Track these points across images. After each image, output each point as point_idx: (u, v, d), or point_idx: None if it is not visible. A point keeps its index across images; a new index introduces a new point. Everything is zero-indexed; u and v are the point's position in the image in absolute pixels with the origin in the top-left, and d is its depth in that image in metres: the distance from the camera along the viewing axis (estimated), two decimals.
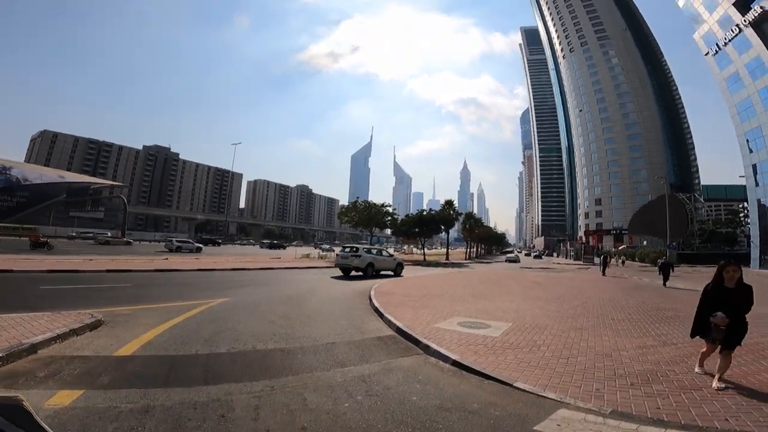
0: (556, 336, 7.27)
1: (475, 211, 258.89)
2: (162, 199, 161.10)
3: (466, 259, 53.29)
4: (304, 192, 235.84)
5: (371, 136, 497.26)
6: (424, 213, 47.41)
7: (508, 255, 61.94)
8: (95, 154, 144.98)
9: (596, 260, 45.10)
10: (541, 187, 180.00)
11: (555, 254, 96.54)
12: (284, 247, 57.01)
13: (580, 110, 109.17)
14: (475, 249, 68.77)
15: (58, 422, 3.26)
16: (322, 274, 21.23)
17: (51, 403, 3.67)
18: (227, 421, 3.41)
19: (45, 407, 3.55)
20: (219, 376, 4.63)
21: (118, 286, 12.67)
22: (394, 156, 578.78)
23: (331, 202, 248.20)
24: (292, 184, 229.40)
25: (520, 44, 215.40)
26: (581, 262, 50.80)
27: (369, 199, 44.79)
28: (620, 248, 64.94)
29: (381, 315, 8.99)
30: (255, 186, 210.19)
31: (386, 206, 42.60)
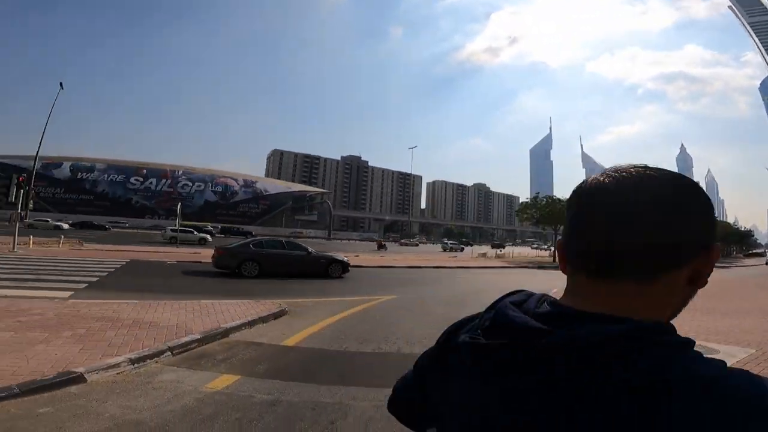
0: None
1: None
2: (358, 203, 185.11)
3: None
4: (482, 190, 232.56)
5: (550, 128, 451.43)
6: None
7: None
8: (309, 166, 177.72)
9: None
10: None
11: None
12: (461, 249, 53.92)
13: None
14: None
15: (201, 404, 3.51)
16: (495, 274, 19.74)
17: (209, 386, 3.98)
18: (333, 429, 3.20)
19: (202, 389, 3.87)
20: (353, 377, 4.47)
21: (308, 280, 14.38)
22: (581, 146, 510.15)
23: (510, 199, 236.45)
24: (469, 183, 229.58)
25: (729, 6, 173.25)
26: None
27: (554, 195, 39.71)
28: None
29: None
30: (434, 187, 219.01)
31: None
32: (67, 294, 8.32)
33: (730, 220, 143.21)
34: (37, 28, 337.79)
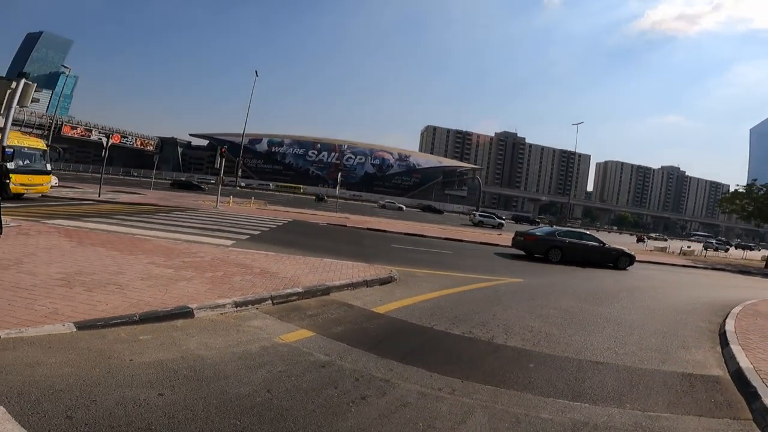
0: None
1: None
2: (512, 181, 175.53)
3: None
4: (673, 174, 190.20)
5: None
6: None
7: None
8: (461, 142, 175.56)
9: None
10: None
11: None
12: (501, 226, 42.78)
13: None
14: None
15: (263, 351, 3.80)
16: (664, 271, 15.97)
17: (282, 337, 4.27)
18: (363, 404, 3.07)
19: (275, 339, 4.18)
20: (420, 357, 4.18)
21: (441, 252, 14.34)
22: None
23: (716, 187, 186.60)
24: (656, 166, 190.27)
25: None
26: None
27: None
28: None
29: (724, 342, 5.72)
30: (605, 167, 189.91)
31: None
32: (230, 243, 10.19)
33: None
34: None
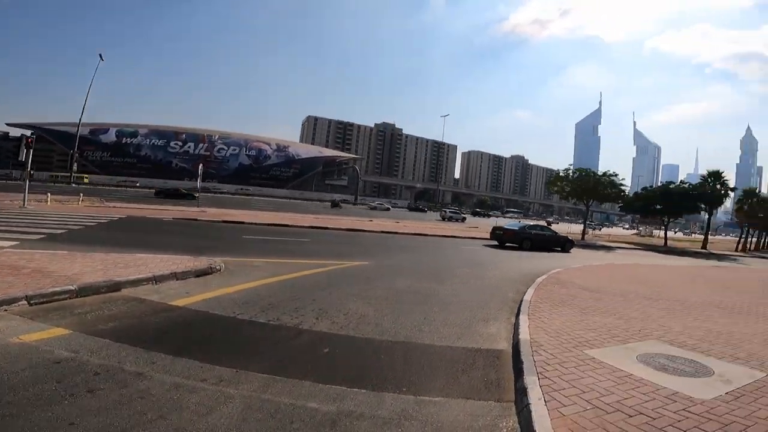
0: None
1: (765, 189, 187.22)
2: (390, 170, 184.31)
3: (736, 251, 37.76)
4: (520, 163, 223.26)
5: (600, 103, 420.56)
6: (672, 186, 35.51)
7: None
8: (342, 133, 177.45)
9: None
10: None
11: None
12: (462, 219, 47.60)
13: None
14: (757, 239, 48.43)
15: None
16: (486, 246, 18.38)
17: (23, 337, 3.71)
18: (83, 397, 2.79)
19: (11, 339, 3.62)
20: (199, 350, 3.80)
21: (296, 240, 13.88)
22: (634, 123, 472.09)
23: (550, 173, 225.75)
24: (507, 155, 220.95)
25: None
26: None
27: (591, 169, 36.28)
28: None
29: (517, 313, 6.23)
30: (469, 157, 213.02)
31: (610, 175, 33.58)
32: (11, 244, 8.10)
33: None
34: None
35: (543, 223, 41.33)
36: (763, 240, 51.24)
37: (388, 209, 60.74)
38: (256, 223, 18.38)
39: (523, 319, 5.84)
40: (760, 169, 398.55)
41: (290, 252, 10.86)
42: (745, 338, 5.62)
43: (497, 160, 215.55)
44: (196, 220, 17.97)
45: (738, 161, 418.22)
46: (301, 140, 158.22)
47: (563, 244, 20.20)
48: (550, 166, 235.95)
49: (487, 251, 16.69)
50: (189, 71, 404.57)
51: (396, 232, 21.20)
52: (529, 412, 3.09)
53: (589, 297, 7.99)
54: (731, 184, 37.64)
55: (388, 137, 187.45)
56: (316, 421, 2.79)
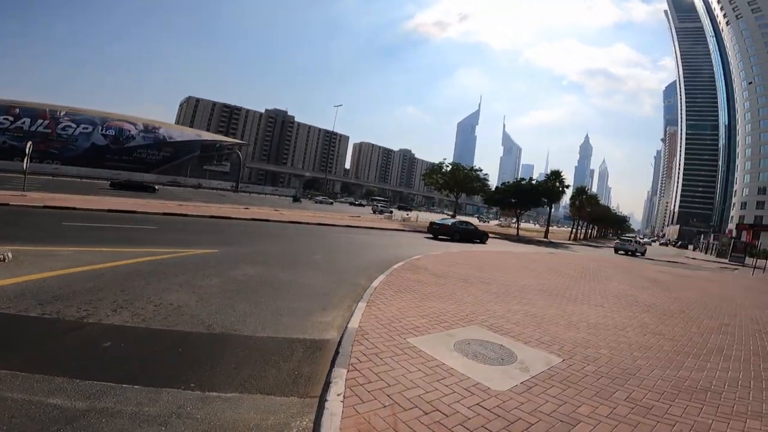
0: (661, 411, 3.62)
1: (595, 189, 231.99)
2: (279, 157, 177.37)
3: (569, 240, 45.80)
4: (407, 156, 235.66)
5: (479, 105, 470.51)
6: (523, 182, 41.20)
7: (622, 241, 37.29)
8: (228, 117, 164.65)
9: (753, 261, 34.28)
10: (684, 169, 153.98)
11: (692, 247, 79.22)
12: (390, 212, 51.58)
13: (750, 83, 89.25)
14: (585, 230, 59.35)
15: None
16: (375, 236, 18.87)
17: None
18: None
19: None
20: None
21: (139, 228, 12.08)
22: (504, 125, 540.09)
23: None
24: (396, 149, 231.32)
25: (665, 11, 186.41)
26: (726, 261, 39.01)
27: (461, 163, 39.83)
28: None
29: (360, 300, 6.29)
30: (360, 148, 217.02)
31: (477, 170, 37.58)
32: None
33: (614, 206, 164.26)
34: None
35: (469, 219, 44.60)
36: (590, 231, 63.19)
37: (331, 203, 60.43)
38: (91, 209, 15.49)
39: (361, 306, 5.84)
40: (592, 172, 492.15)
41: (123, 240, 9.28)
42: (554, 321, 6.43)
43: (386, 153, 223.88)
44: (7, 205, 14.36)
45: (576, 164, 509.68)
46: (178, 123, 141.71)
47: (481, 236, 24.56)
48: (434, 161, 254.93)
49: (359, 238, 16.92)
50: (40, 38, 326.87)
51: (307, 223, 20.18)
52: (323, 409, 2.92)
53: (433, 282, 8.47)
54: (570, 183, 45.32)
55: (278, 124, 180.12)
56: (50, 417, 2.39)
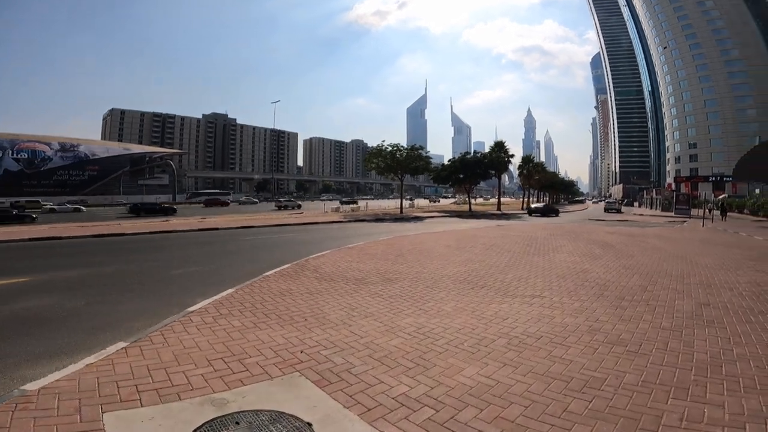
0: None
1: (543, 159, 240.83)
2: (225, 163, 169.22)
3: (522, 209, 45.08)
4: (359, 147, 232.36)
5: (425, 89, 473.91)
6: (468, 156, 39.62)
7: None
8: (161, 126, 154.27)
9: (697, 212, 34.79)
10: (619, 132, 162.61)
11: (636, 204, 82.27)
12: (298, 206, 46.17)
13: (664, 47, 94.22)
14: (536, 198, 59.41)
15: None
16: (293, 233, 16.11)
17: None
18: None
19: None
20: None
21: None
22: (451, 107, 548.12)
23: None
24: (348, 140, 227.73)
25: None
26: (672, 214, 39.62)
27: (401, 144, 36.94)
28: (721, 197, 51.30)
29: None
30: (311, 144, 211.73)
31: (418, 149, 35.33)
32: None
33: (561, 173, 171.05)
34: None
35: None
36: (542, 198, 63.53)
37: (256, 202, 58.42)
38: None
39: (120, 347, 3.37)
40: (538, 143, 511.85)
41: None
42: (453, 342, 4.09)
43: (339, 146, 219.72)
44: None
45: (523, 137, 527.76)
46: (105, 138, 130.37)
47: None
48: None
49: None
50: None
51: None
52: None
53: (308, 291, 6.04)
54: (519, 156, 44.50)
55: (219, 129, 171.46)
56: None
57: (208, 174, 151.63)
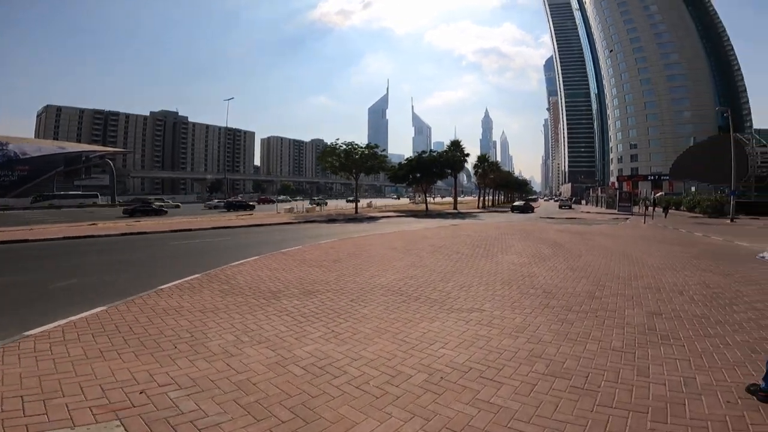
0: None
1: (499, 159, 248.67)
2: (176, 162, 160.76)
3: (478, 208, 45.49)
4: (319, 146, 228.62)
5: (387, 89, 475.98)
6: (424, 155, 39.26)
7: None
8: (102, 124, 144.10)
9: (638, 209, 36.60)
10: (568, 133, 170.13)
11: (584, 202, 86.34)
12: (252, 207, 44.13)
13: (611, 51, 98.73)
14: (491, 197, 60.43)
15: None
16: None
17: None
18: None
19: None
20: None
21: None
22: (412, 107, 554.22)
23: None
24: (307, 139, 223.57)
25: None
26: (616, 211, 41.49)
27: (355, 142, 35.43)
28: (658, 195, 54.78)
29: None
30: (268, 143, 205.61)
31: (373, 147, 34.41)
32: None
33: (516, 172, 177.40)
34: None
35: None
36: (497, 197, 64.74)
37: (178, 206, 52.24)
38: None
39: None
40: (494, 143, 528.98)
41: None
42: (364, 381, 3.15)
43: (298, 145, 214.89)
44: None
45: (480, 137, 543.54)
46: (39, 136, 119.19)
47: None
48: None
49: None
50: None
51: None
52: None
53: (198, 310, 4.97)
54: (470, 153, 44.68)
55: (169, 127, 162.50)
56: None
57: (157, 174, 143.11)
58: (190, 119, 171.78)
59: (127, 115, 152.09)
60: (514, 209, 40.81)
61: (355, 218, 27.36)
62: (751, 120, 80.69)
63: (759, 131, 50.21)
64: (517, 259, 9.24)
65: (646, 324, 4.54)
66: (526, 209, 40.62)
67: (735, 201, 30.16)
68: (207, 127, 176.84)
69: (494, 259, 9.24)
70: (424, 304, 5.39)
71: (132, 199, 69.05)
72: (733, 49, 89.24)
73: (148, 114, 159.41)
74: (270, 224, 21.81)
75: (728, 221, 27.00)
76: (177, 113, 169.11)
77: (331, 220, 25.55)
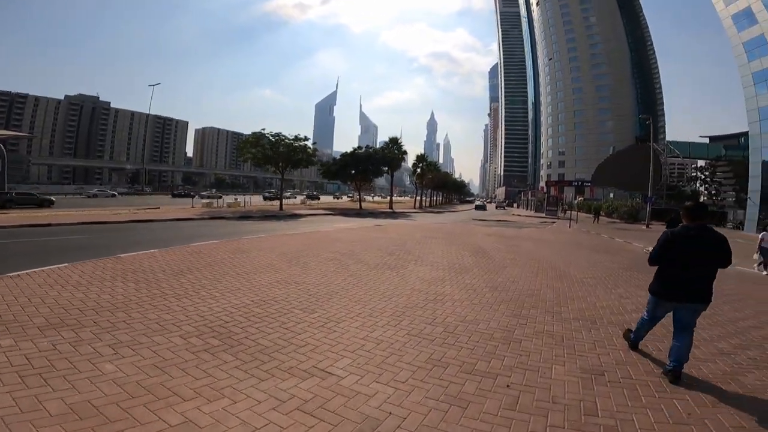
0: None
1: (441, 160, 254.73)
2: (91, 150, 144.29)
3: (414, 208, 44.43)
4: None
5: (337, 86, 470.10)
6: (359, 150, 37.23)
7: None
8: (7, 107, 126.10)
9: (563, 214, 37.70)
10: (506, 138, 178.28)
11: (515, 205, 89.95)
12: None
13: (550, 59, 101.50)
14: (429, 198, 60.07)
15: None
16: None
17: None
18: None
19: None
20: None
21: None
22: (360, 105, 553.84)
23: None
24: (247, 132, 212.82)
25: None
26: (543, 215, 42.65)
27: (283, 133, 32.01)
28: (579, 200, 57.98)
29: None
30: (203, 134, 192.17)
31: (303, 140, 31.57)
32: None
33: (456, 174, 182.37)
34: None
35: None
36: (435, 198, 64.62)
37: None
38: None
39: None
40: (438, 145, 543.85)
41: None
42: None
43: (237, 137, 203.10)
44: None
45: (425, 139, 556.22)
46: None
47: None
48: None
49: None
50: None
51: None
52: None
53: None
54: (408, 152, 43.56)
55: (87, 112, 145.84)
56: None
57: (66, 162, 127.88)
58: (116, 105, 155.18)
59: (37, 98, 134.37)
60: (477, 208, 56.44)
61: (276, 216, 24.57)
62: (665, 132, 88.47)
63: (671, 143, 54.81)
64: (429, 273, 7.43)
65: (583, 396, 2.78)
66: (483, 207, 57.01)
67: (651, 207, 31.70)
68: (132, 114, 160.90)
69: (401, 272, 7.36)
70: (238, 356, 3.24)
71: None
72: (656, 63, 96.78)
73: (62, 97, 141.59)
74: (167, 219, 18.42)
75: (644, 227, 28.13)
76: (97, 98, 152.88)
77: (245, 216, 22.56)
